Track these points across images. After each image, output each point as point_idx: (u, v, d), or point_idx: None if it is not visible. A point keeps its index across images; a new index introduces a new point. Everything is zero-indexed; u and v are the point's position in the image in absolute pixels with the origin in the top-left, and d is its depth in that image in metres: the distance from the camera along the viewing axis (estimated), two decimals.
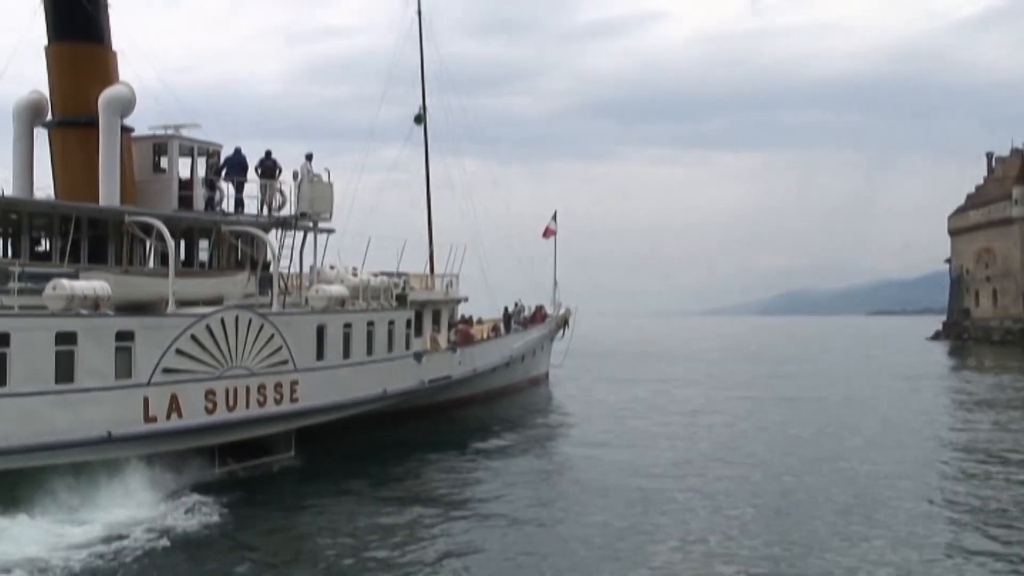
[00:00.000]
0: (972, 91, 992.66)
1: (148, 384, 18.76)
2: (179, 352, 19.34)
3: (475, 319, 39.95)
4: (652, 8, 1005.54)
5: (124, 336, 18.42)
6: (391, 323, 26.21)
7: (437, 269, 36.31)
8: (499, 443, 27.09)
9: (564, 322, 47.25)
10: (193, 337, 19.64)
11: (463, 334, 33.89)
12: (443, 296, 34.73)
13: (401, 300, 27.80)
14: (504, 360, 36.55)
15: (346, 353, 24.08)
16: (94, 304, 18.14)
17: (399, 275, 30.27)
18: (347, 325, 24.16)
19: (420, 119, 38.79)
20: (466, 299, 37.42)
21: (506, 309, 42.40)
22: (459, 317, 37.36)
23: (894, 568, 14.27)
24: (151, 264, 22.14)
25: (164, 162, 24.24)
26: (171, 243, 20.25)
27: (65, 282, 17.94)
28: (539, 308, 45.63)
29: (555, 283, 47.67)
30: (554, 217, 47.41)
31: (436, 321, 33.56)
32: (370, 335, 25.11)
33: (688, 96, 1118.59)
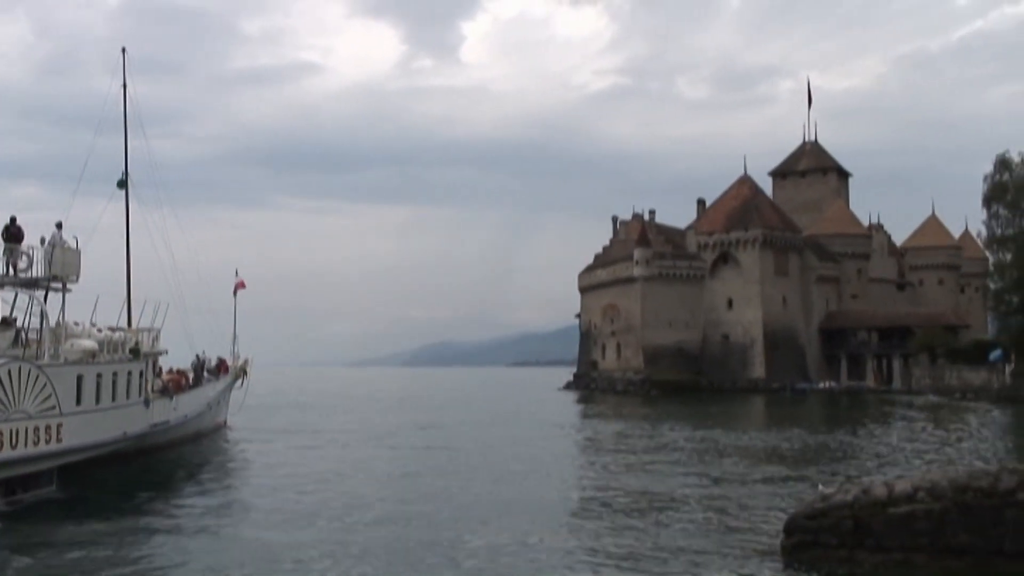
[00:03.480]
0: (604, 159, 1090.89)
1: None
2: None
3: (165, 370, 45.02)
4: (306, 60, 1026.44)
5: None
6: (129, 373, 31.70)
7: (144, 322, 41.10)
8: (204, 479, 32.36)
9: (243, 372, 53.30)
10: None
11: (175, 383, 39.38)
12: (149, 349, 39.81)
13: (135, 353, 33.21)
14: (203, 407, 42.30)
15: (97, 399, 29.35)
16: None
17: (114, 330, 35.43)
18: (99, 375, 29.47)
19: (123, 183, 43.32)
20: (166, 351, 42.54)
21: (196, 359, 47.86)
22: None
23: None
24: None
25: None
26: None
27: None
28: (221, 360, 51.47)
29: (235, 335, 53.78)
30: (236, 273, 53.61)
31: None
32: (114, 384, 30.50)
33: (341, 148, 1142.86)
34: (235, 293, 52.63)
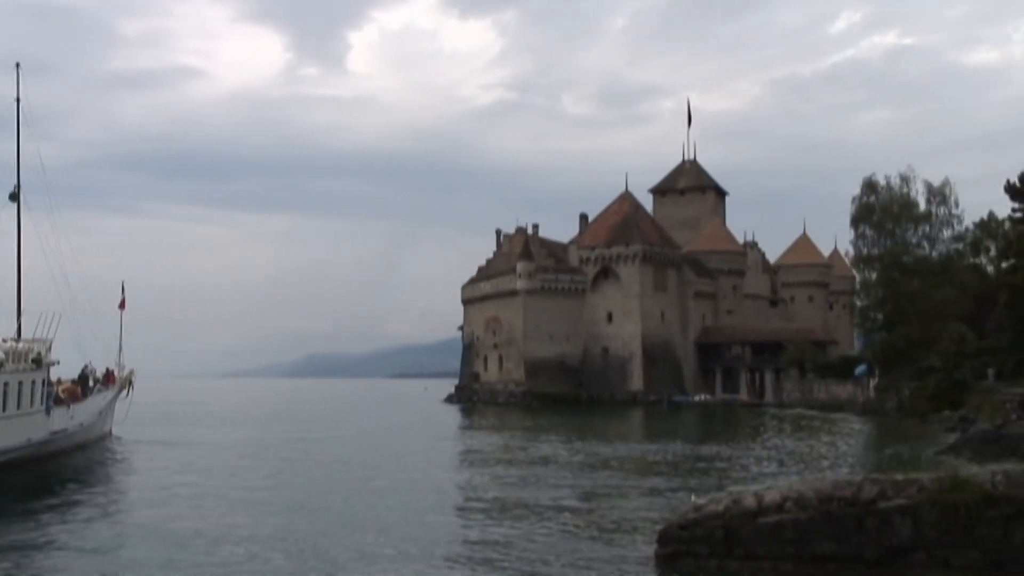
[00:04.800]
0: (489, 172, 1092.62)
1: None
2: None
3: (54, 380, 45.60)
4: (187, 64, 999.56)
5: None
6: (33, 382, 32.73)
7: (38, 332, 41.64)
8: (102, 482, 32.92)
9: (128, 383, 54.06)
10: None
11: (71, 393, 40.24)
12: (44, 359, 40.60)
13: (37, 363, 34.17)
14: (95, 417, 43.16)
15: (3, 407, 30.40)
16: None
17: (17, 341, 36.31)
18: (5, 384, 30.52)
19: (15, 197, 43.76)
20: (58, 362, 43.14)
21: (83, 370, 48.48)
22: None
23: None
24: None
25: None
26: None
27: None
28: (109, 371, 52.17)
29: (120, 347, 54.50)
30: (123, 288, 54.50)
31: None
32: (20, 392, 31.54)
33: (220, 155, 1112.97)
34: (121, 307, 53.43)
